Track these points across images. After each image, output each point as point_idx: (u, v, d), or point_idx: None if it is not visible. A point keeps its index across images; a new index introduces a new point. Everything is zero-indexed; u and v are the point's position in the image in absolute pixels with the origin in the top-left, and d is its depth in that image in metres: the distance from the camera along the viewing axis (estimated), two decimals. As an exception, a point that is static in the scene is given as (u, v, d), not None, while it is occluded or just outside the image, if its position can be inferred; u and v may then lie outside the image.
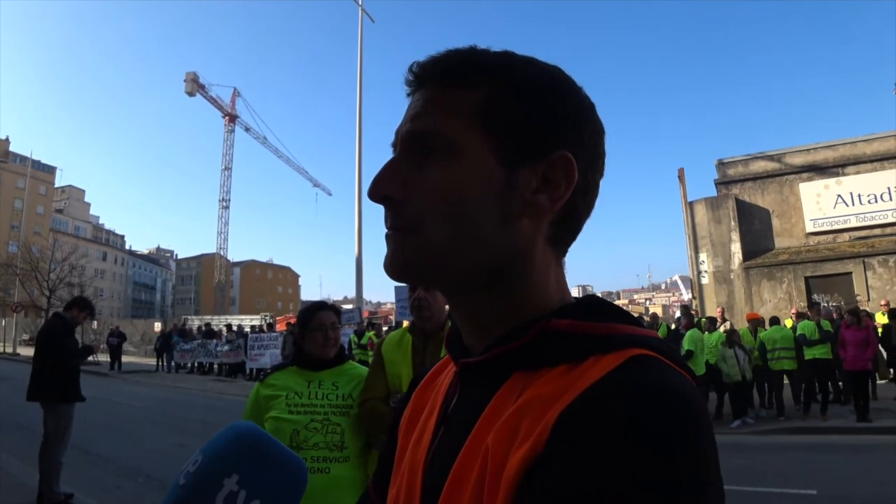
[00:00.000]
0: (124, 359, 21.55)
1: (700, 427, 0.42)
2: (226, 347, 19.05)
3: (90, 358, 6.67)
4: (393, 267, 0.56)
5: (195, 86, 58.66)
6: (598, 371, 0.46)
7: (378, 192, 0.56)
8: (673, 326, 11.47)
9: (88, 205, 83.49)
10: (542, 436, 0.44)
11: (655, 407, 0.41)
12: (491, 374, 0.54)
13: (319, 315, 2.29)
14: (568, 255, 0.61)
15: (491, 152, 0.54)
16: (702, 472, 0.40)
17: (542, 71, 0.57)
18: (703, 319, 10.42)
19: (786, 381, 10.31)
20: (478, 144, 0.54)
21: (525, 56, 0.59)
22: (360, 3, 18.33)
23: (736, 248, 15.68)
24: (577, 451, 0.41)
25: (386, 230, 0.57)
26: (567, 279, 0.61)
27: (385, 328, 16.45)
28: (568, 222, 0.58)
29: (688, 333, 9.54)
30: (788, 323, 10.94)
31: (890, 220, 14.58)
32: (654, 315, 18.03)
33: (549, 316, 0.53)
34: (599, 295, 0.82)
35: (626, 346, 0.49)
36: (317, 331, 2.27)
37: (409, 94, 0.60)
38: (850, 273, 14.26)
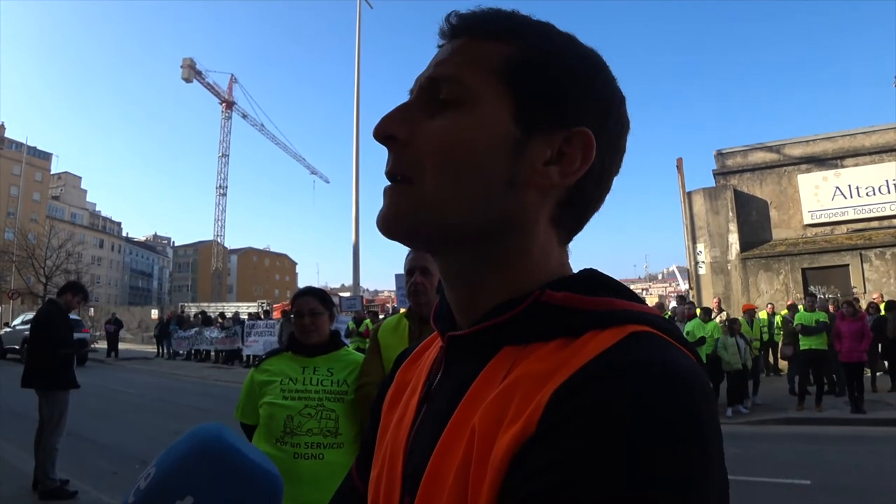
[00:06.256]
0: (121, 346, 21.57)
1: (703, 406, 0.40)
2: (221, 335, 19.07)
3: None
4: (385, 221, 0.53)
5: (192, 72, 58.09)
6: (595, 347, 0.43)
7: (382, 130, 0.54)
8: (668, 314, 11.51)
9: (85, 192, 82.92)
10: (533, 416, 0.41)
11: (656, 385, 0.39)
12: (478, 349, 0.51)
13: (298, 301, 2.30)
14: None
15: (508, 110, 0.52)
16: (705, 454, 0.38)
17: (579, 48, 0.56)
18: (699, 310, 10.44)
19: (783, 372, 10.64)
20: (496, 99, 0.52)
21: (567, 32, 0.57)
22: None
23: (733, 238, 15.65)
24: (572, 432, 0.38)
25: (385, 185, 0.54)
26: None
27: (381, 315, 16.45)
28: (575, 207, 0.55)
29: (695, 321, 9.56)
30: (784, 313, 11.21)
31: (888, 212, 14.54)
32: (660, 303, 18.09)
33: (545, 288, 0.50)
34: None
35: (626, 322, 0.46)
36: (297, 317, 2.28)
37: (439, 46, 0.57)
38: (848, 265, 14.25)
